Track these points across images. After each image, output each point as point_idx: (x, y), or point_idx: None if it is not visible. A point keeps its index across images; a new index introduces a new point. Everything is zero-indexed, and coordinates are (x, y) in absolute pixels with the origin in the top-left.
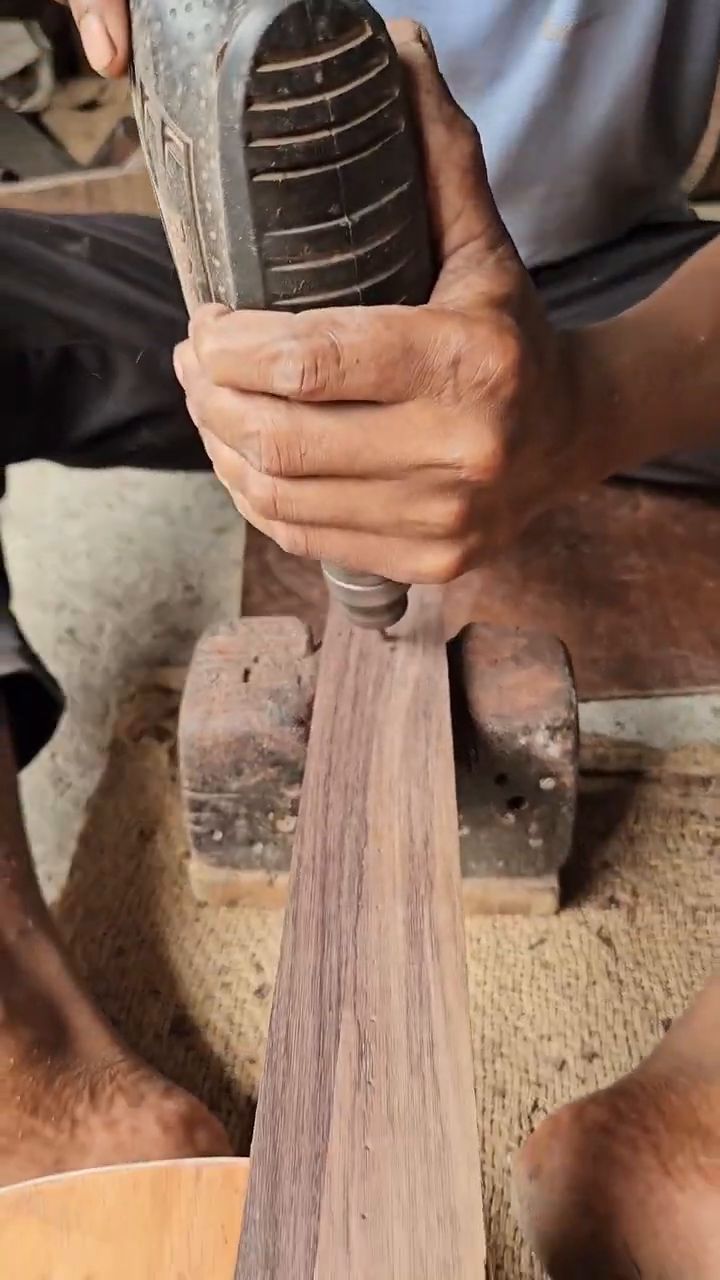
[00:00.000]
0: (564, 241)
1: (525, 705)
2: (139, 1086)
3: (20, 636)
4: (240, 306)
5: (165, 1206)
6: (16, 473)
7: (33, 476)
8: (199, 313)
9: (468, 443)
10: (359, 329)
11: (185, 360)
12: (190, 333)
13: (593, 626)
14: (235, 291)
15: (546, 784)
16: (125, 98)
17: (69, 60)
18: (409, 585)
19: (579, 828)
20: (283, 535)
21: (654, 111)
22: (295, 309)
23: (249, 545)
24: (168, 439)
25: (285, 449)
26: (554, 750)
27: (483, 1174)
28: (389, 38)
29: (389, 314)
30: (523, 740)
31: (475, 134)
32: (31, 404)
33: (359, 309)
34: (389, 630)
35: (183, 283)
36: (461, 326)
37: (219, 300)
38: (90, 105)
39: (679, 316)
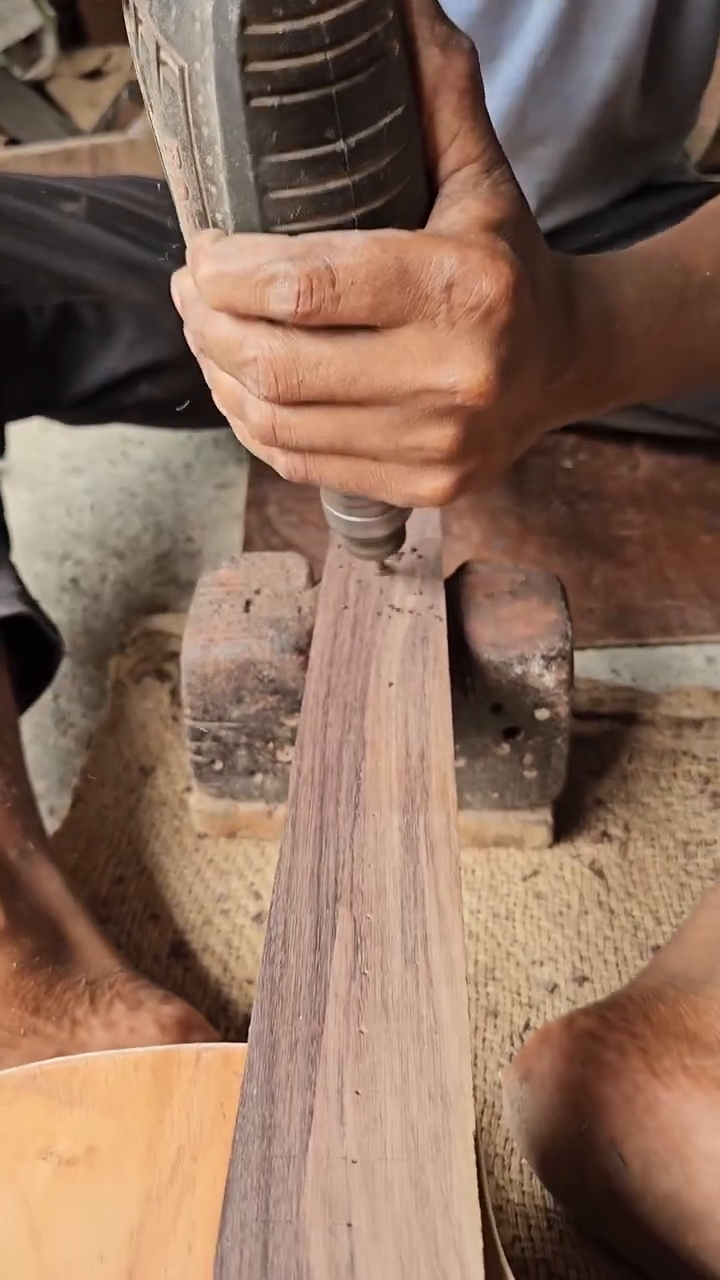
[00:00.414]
0: (569, 203)
1: (521, 635)
2: (137, 994)
3: (19, 581)
4: (237, 232)
5: (165, 1086)
6: (22, 430)
7: (37, 434)
8: (196, 239)
9: (462, 368)
10: (354, 252)
11: (183, 287)
12: (188, 258)
13: (590, 578)
14: (232, 217)
15: (541, 714)
16: (129, 66)
17: (74, 29)
18: (406, 517)
19: (574, 767)
20: (281, 462)
21: (652, 69)
22: (292, 234)
23: (250, 499)
24: (166, 392)
25: (283, 375)
26: (549, 680)
27: (475, 1087)
28: None
29: (384, 238)
30: (518, 669)
31: (472, 52)
32: (31, 360)
33: (355, 233)
34: (387, 562)
35: (179, 210)
36: (455, 250)
37: (216, 227)
38: (95, 74)
39: (685, 252)
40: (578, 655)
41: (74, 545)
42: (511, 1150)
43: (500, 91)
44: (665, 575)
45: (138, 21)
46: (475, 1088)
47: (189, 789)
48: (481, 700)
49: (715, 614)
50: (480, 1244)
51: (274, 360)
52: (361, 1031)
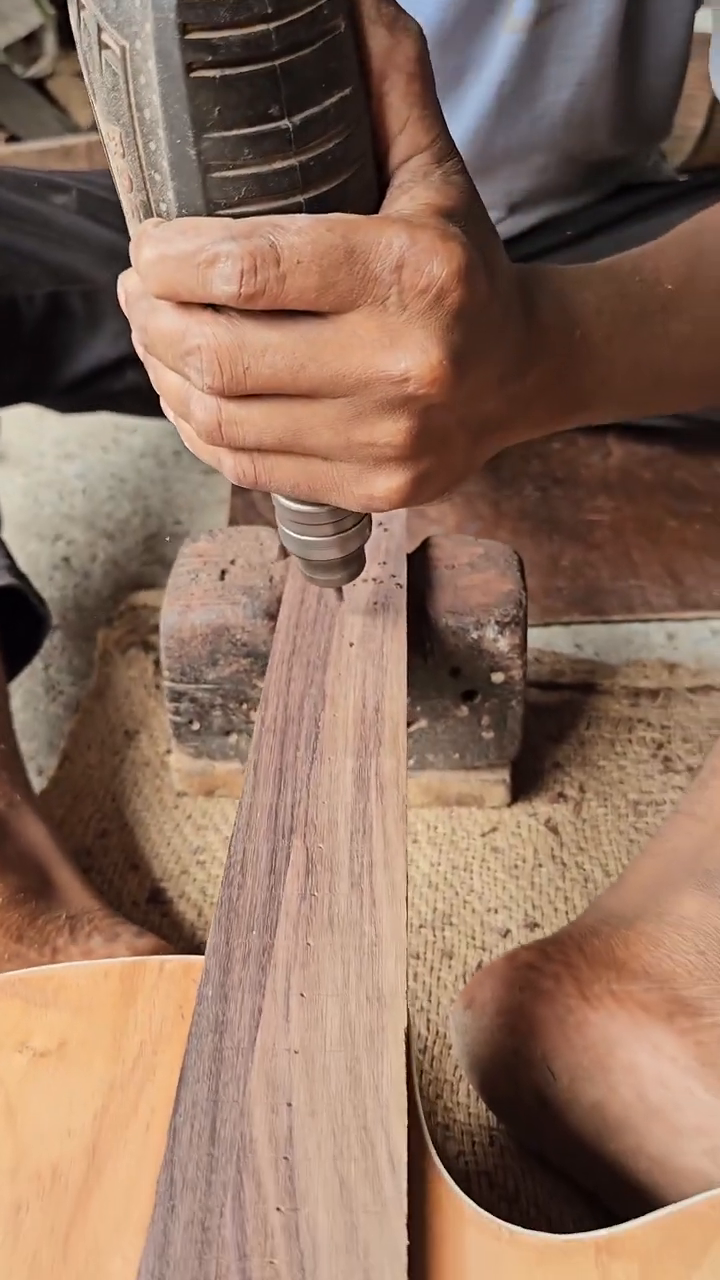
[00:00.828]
0: (538, 209)
1: (477, 603)
2: (114, 928)
3: (9, 556)
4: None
5: (131, 990)
6: (17, 416)
7: (32, 421)
8: (139, 227)
9: (413, 353)
10: (300, 231)
11: (128, 285)
12: (130, 251)
13: (559, 560)
14: (176, 202)
15: (497, 677)
16: None
17: None
18: (363, 538)
19: (534, 733)
20: (229, 463)
21: (622, 91)
22: (237, 218)
23: (235, 485)
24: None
25: (228, 364)
26: (503, 644)
27: (428, 1021)
28: None
29: (331, 219)
30: (474, 634)
31: (420, 36)
32: (22, 347)
33: (301, 215)
34: (345, 589)
35: (124, 205)
36: (405, 230)
37: (160, 217)
38: None
39: (648, 264)
40: (544, 631)
41: (66, 527)
42: (459, 1078)
43: (466, 115)
44: (631, 558)
45: (80, 6)
46: (429, 1021)
47: (169, 751)
48: (441, 664)
49: (677, 594)
50: (405, 1121)
51: (218, 348)
52: (309, 944)
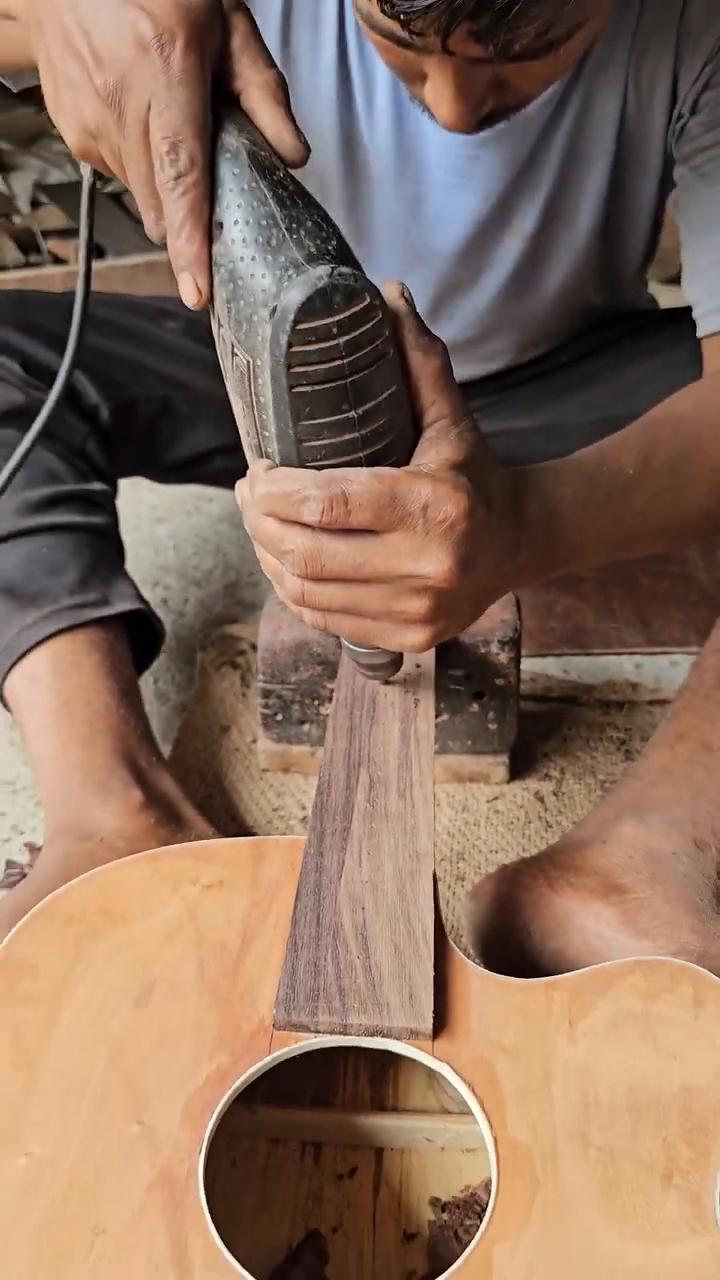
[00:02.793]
0: (536, 347)
1: (485, 627)
2: None
3: (134, 587)
4: (282, 464)
5: (260, 853)
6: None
7: (128, 491)
8: (255, 465)
9: (433, 563)
10: (360, 483)
11: (244, 494)
12: (248, 477)
13: (553, 607)
14: (279, 455)
15: (499, 682)
16: None
17: None
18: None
19: (528, 732)
20: (308, 617)
21: (603, 269)
22: (319, 468)
23: None
24: (236, 465)
25: (310, 561)
26: (504, 657)
27: (445, 920)
28: (382, 300)
29: (381, 473)
30: (483, 650)
31: (444, 352)
32: (139, 436)
33: (362, 469)
34: (389, 680)
35: (243, 442)
36: (429, 483)
37: (267, 458)
38: None
39: (611, 455)
40: (540, 660)
41: (162, 575)
42: (465, 952)
43: (482, 299)
44: (610, 606)
45: (220, 325)
46: (445, 919)
47: (254, 740)
48: (457, 672)
49: (646, 634)
50: (432, 916)
51: (305, 551)
52: (372, 827)
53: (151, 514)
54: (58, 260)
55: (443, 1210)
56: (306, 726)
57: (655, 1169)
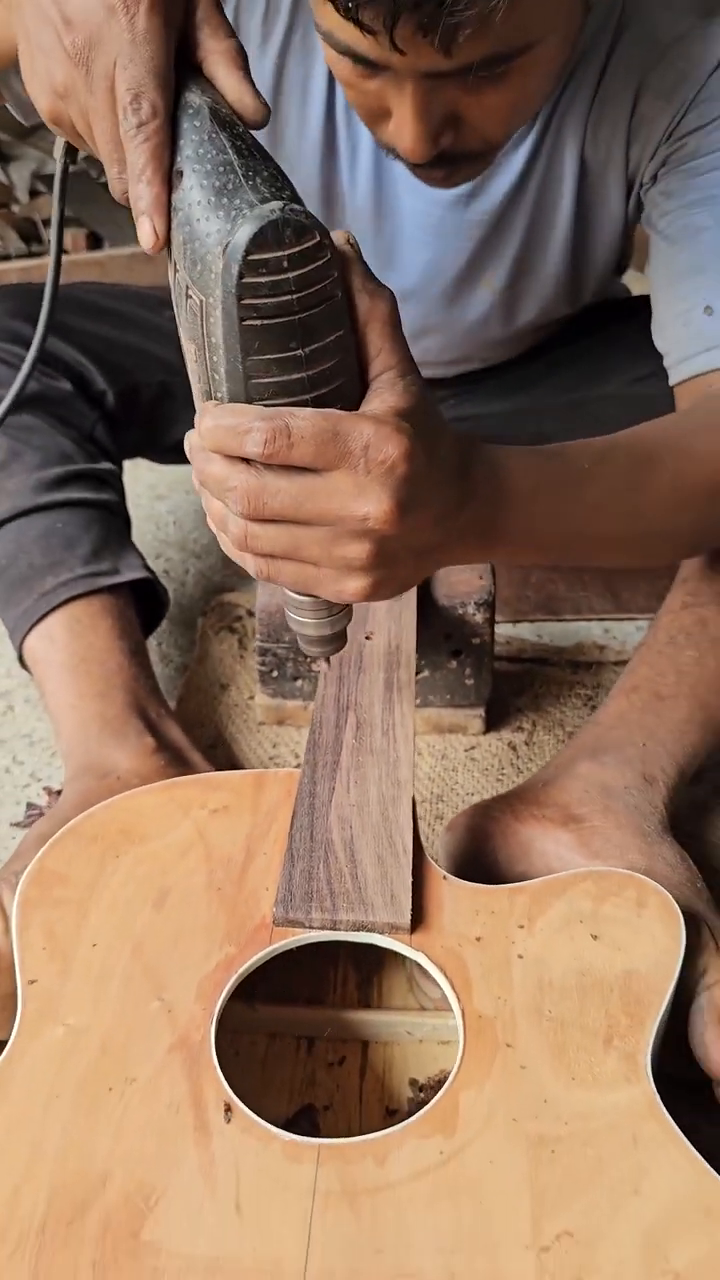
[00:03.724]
0: (498, 359)
1: (463, 590)
2: None
3: (142, 557)
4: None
5: (261, 783)
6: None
7: (130, 471)
8: (203, 406)
9: (372, 502)
10: (304, 418)
11: (191, 442)
12: (195, 421)
13: (529, 577)
14: (227, 394)
15: (475, 640)
16: None
17: None
18: (343, 624)
19: (502, 689)
20: (250, 563)
21: (574, 297)
22: (266, 407)
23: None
24: None
25: (253, 498)
26: (479, 618)
27: (425, 851)
28: (331, 240)
29: (326, 412)
30: (460, 610)
31: (391, 298)
32: (140, 418)
33: (306, 409)
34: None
35: (194, 391)
36: (371, 424)
37: (215, 400)
38: None
39: (569, 449)
40: (515, 626)
41: (163, 549)
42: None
43: (462, 333)
44: (582, 577)
45: (175, 270)
46: (425, 851)
47: (251, 696)
48: (437, 630)
49: (613, 602)
50: (411, 835)
51: (248, 488)
52: (358, 760)
53: (151, 492)
54: None
55: (420, 1090)
56: (299, 682)
57: (598, 1034)
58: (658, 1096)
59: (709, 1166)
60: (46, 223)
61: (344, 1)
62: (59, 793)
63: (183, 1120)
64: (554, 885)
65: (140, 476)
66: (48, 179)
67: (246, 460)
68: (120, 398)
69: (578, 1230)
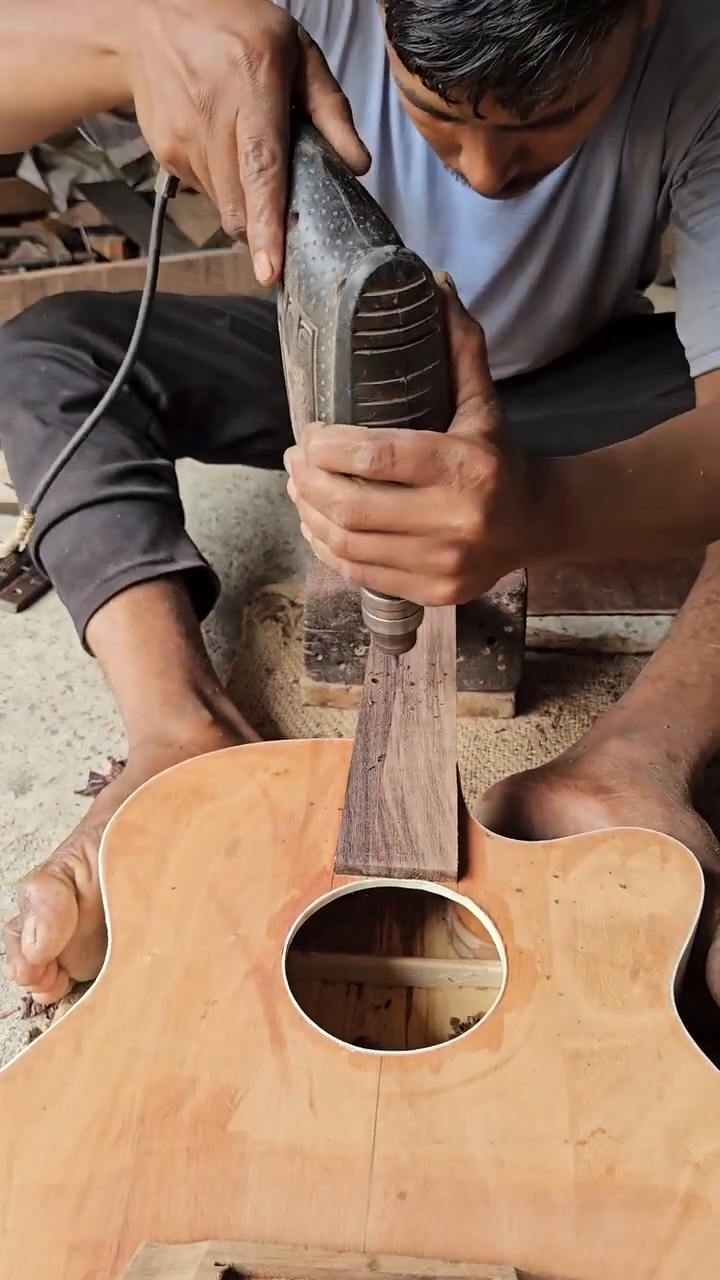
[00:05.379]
0: (550, 355)
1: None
2: None
3: (194, 546)
4: (335, 424)
5: (318, 750)
6: None
7: None
8: (310, 426)
9: (464, 516)
10: (406, 439)
11: (294, 458)
12: (301, 438)
13: (554, 574)
14: (334, 416)
15: (508, 629)
16: None
17: None
18: (415, 625)
19: (531, 677)
20: (348, 570)
21: (603, 290)
22: (369, 428)
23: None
24: (274, 448)
25: (356, 510)
26: (512, 608)
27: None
28: (434, 280)
29: (424, 434)
30: (494, 601)
31: (481, 333)
32: (190, 421)
33: (407, 430)
34: (401, 657)
35: (296, 412)
36: (465, 446)
37: (323, 420)
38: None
39: (615, 456)
40: (542, 619)
41: (208, 544)
42: None
43: (501, 322)
44: (604, 575)
45: (288, 301)
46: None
47: (296, 680)
48: (472, 619)
49: (634, 598)
50: (456, 796)
51: (351, 502)
52: (407, 730)
53: (194, 490)
54: (100, 259)
55: (461, 1028)
56: (343, 666)
57: (626, 967)
58: (680, 1020)
59: None
60: (86, 230)
61: (431, 77)
62: (123, 763)
63: (260, 1034)
64: (585, 842)
65: (184, 476)
66: (86, 187)
67: (349, 476)
68: (172, 400)
69: (610, 1127)
